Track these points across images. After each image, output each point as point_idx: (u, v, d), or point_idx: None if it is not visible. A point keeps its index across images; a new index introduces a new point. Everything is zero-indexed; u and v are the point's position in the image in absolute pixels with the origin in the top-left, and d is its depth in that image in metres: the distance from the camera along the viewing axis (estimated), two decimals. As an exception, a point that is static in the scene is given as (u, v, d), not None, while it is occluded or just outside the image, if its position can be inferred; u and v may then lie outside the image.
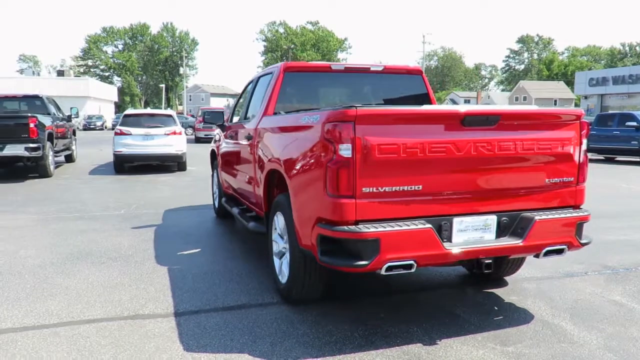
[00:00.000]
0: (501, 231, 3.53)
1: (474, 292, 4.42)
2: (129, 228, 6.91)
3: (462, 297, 4.31)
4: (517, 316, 3.91)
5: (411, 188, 3.29)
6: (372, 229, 3.16)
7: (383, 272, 3.21)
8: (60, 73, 57.65)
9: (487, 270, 3.64)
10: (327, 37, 77.29)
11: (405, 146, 3.22)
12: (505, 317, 3.88)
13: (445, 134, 3.32)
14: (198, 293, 4.37)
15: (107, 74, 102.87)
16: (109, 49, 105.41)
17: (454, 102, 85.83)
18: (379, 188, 3.22)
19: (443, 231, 3.39)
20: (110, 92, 62.75)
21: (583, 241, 3.68)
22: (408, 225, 3.22)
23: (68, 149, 15.53)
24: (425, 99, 5.44)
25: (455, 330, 3.63)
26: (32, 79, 52.10)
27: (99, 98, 55.04)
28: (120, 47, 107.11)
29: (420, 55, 63.93)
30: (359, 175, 3.18)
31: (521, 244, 3.47)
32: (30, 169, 12.59)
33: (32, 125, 11.53)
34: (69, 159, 16.07)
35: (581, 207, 3.78)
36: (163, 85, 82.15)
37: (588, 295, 4.35)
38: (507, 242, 3.48)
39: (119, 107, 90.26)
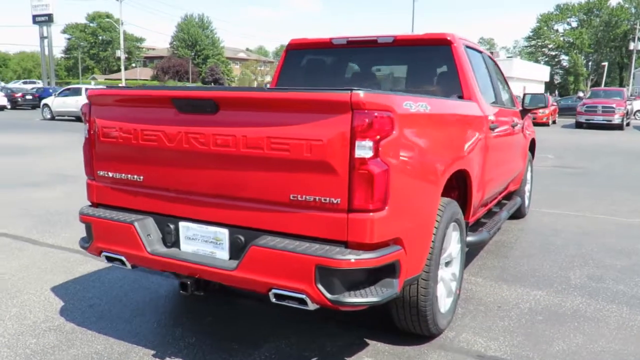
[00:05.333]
0: (236, 251, 2.70)
1: (347, 342, 3.31)
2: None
3: (309, 342, 3.33)
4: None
5: (133, 177, 2.97)
6: (88, 213, 3.08)
7: (105, 261, 3.09)
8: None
9: (183, 292, 2.82)
10: None
11: (122, 130, 2.94)
12: (288, 371, 2.90)
13: (158, 120, 2.81)
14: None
15: (554, 53, 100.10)
16: (561, 27, 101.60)
17: None
18: (109, 173, 3.07)
19: (166, 234, 2.91)
20: (540, 72, 61.57)
21: (335, 297, 2.39)
22: (116, 218, 2.96)
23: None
24: (451, 75, 4.03)
25: None
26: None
27: (523, 78, 55.02)
28: (574, 24, 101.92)
29: None
30: (94, 157, 3.12)
31: (233, 272, 2.60)
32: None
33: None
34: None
35: (375, 248, 2.42)
36: (605, 64, 74.56)
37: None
38: (225, 265, 2.66)
39: (557, 87, 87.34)
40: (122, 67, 53.87)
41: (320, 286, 2.38)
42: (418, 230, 2.75)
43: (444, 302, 3.33)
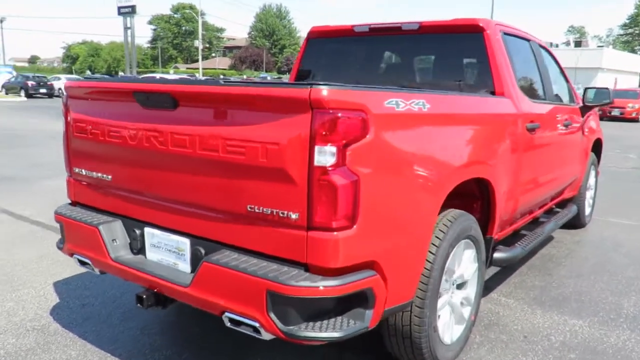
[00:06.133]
0: (196, 264, 2.40)
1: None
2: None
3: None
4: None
5: (103, 176, 2.75)
6: (60, 213, 2.91)
7: (78, 264, 2.91)
8: (578, 44, 56.32)
9: (139, 305, 2.54)
10: None
11: (92, 125, 2.73)
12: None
13: (125, 116, 2.56)
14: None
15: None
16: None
17: None
18: (82, 170, 2.88)
19: (133, 240, 2.67)
20: (635, 63, 56.86)
21: (289, 329, 2.04)
22: (83, 219, 2.75)
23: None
24: (482, 67, 3.51)
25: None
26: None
27: (615, 69, 51.07)
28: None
29: None
30: (70, 152, 2.94)
31: (187, 290, 2.31)
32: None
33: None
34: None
35: (340, 273, 2.04)
36: None
37: None
38: (180, 281, 2.37)
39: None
40: (200, 57, 55.63)
41: (272, 315, 2.04)
42: (404, 252, 2.33)
43: (451, 331, 2.87)
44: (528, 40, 4.16)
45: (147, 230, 2.60)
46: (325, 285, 2.00)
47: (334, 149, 1.95)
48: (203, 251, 2.37)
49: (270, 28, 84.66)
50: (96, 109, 2.71)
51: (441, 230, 2.61)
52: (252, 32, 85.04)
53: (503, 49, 3.52)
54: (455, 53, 3.70)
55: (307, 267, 2.06)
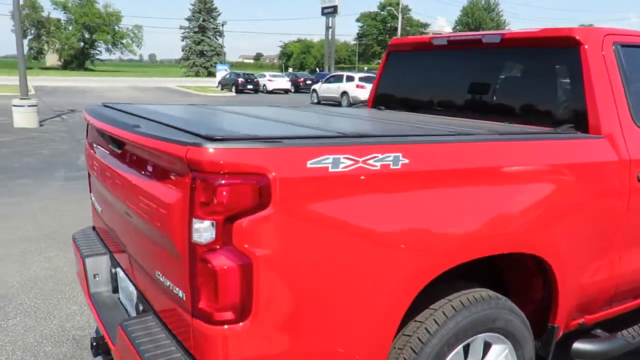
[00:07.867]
0: None
1: None
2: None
3: None
4: None
5: (97, 207, 2.71)
6: (73, 237, 2.96)
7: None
8: None
9: (92, 350, 2.31)
10: None
11: (89, 154, 2.70)
12: None
13: (102, 152, 2.46)
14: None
15: None
16: None
17: None
18: (92, 197, 2.88)
19: (112, 277, 2.58)
20: None
21: None
22: (80, 249, 2.74)
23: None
24: (575, 92, 2.61)
25: None
26: None
27: None
28: None
29: None
30: (89, 177, 2.97)
31: (113, 348, 2.12)
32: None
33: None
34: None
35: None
36: None
37: None
38: (113, 336, 2.18)
39: None
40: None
41: (151, 410, 1.72)
42: (340, 354, 1.78)
43: None
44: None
45: (118, 270, 2.47)
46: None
47: (211, 224, 1.53)
48: (141, 308, 2.15)
49: (476, 21, 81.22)
50: (93, 139, 2.67)
51: (436, 322, 1.97)
52: (457, 27, 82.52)
53: (614, 69, 2.57)
54: (540, 73, 2.82)
55: (193, 361, 1.68)
